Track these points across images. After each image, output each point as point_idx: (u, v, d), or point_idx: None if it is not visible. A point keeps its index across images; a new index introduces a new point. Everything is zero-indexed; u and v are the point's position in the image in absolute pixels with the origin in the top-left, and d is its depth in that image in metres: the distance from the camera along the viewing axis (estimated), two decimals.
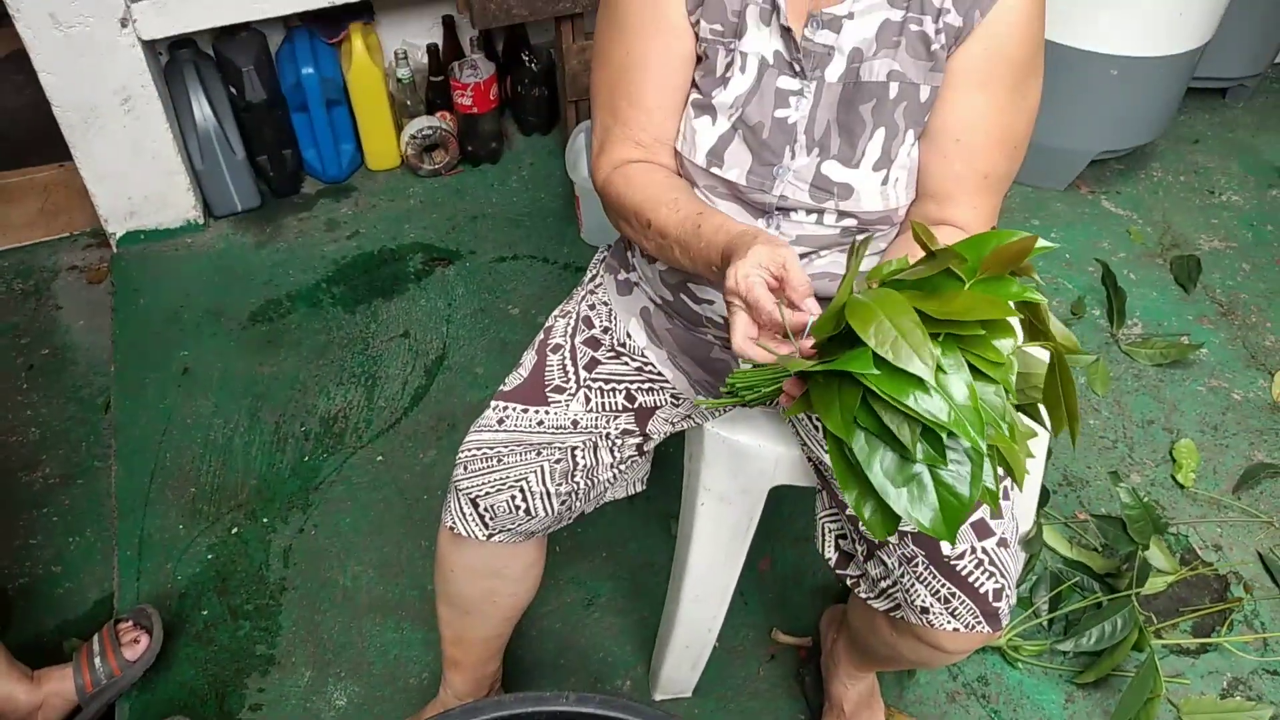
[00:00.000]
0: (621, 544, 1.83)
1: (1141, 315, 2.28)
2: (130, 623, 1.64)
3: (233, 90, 2.35)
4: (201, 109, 2.32)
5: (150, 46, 2.21)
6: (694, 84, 1.12)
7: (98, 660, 1.59)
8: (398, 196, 2.55)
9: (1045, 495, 1.81)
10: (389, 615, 1.73)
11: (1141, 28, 2.29)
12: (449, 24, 2.50)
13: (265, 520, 1.86)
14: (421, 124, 2.51)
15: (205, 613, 1.73)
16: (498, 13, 2.25)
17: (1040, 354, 0.88)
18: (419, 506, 1.88)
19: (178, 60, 2.32)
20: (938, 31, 1.04)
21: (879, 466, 0.78)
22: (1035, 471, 1.59)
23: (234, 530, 1.85)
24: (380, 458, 1.96)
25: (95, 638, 1.62)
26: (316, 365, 2.14)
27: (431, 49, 2.51)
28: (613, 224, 1.18)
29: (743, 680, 1.65)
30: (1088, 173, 2.61)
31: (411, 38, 2.56)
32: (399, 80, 2.51)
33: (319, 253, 2.40)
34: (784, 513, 1.77)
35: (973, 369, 0.77)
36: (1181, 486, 1.92)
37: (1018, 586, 1.66)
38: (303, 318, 2.24)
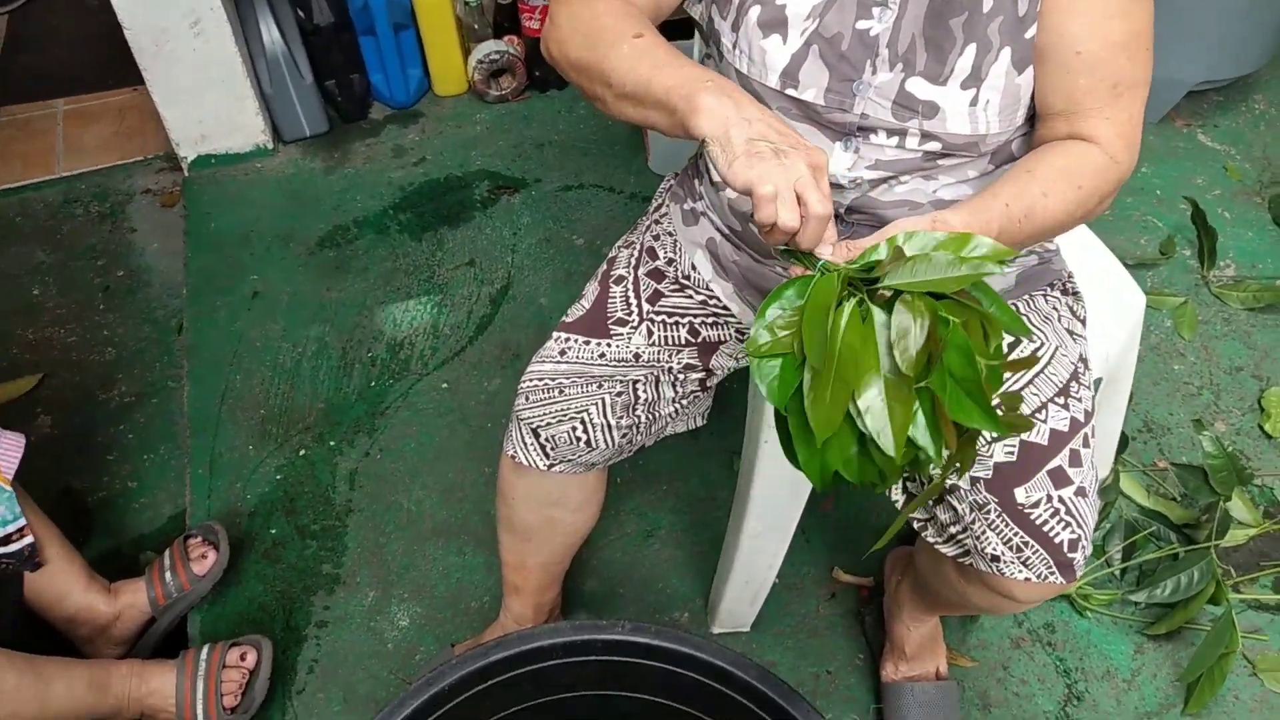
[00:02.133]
0: (683, 477, 1.81)
1: (1235, 256, 2.16)
2: (199, 538, 1.68)
3: (300, 14, 2.33)
4: (270, 32, 2.31)
5: None
6: None
7: (168, 574, 1.63)
8: (464, 123, 2.53)
9: (1124, 441, 1.75)
10: (452, 539, 1.74)
11: None
12: None
13: (332, 443, 1.89)
14: (489, 48, 2.47)
15: (274, 531, 1.76)
16: None
17: None
18: (483, 434, 1.89)
19: None
20: None
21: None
22: (1115, 417, 1.53)
23: (301, 452, 1.88)
24: (445, 385, 1.97)
25: (166, 552, 1.66)
26: (383, 292, 2.14)
27: None
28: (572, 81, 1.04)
29: (802, 617, 1.64)
30: (1184, 104, 2.47)
31: None
32: (466, 3, 2.47)
33: (385, 179, 2.39)
34: None
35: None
36: (1269, 437, 1.84)
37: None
38: (369, 244, 2.25)
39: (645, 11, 1.03)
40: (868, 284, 0.77)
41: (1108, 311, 1.37)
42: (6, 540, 1.38)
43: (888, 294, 0.75)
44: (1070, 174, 0.99)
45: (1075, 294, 1.22)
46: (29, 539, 1.41)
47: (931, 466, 0.77)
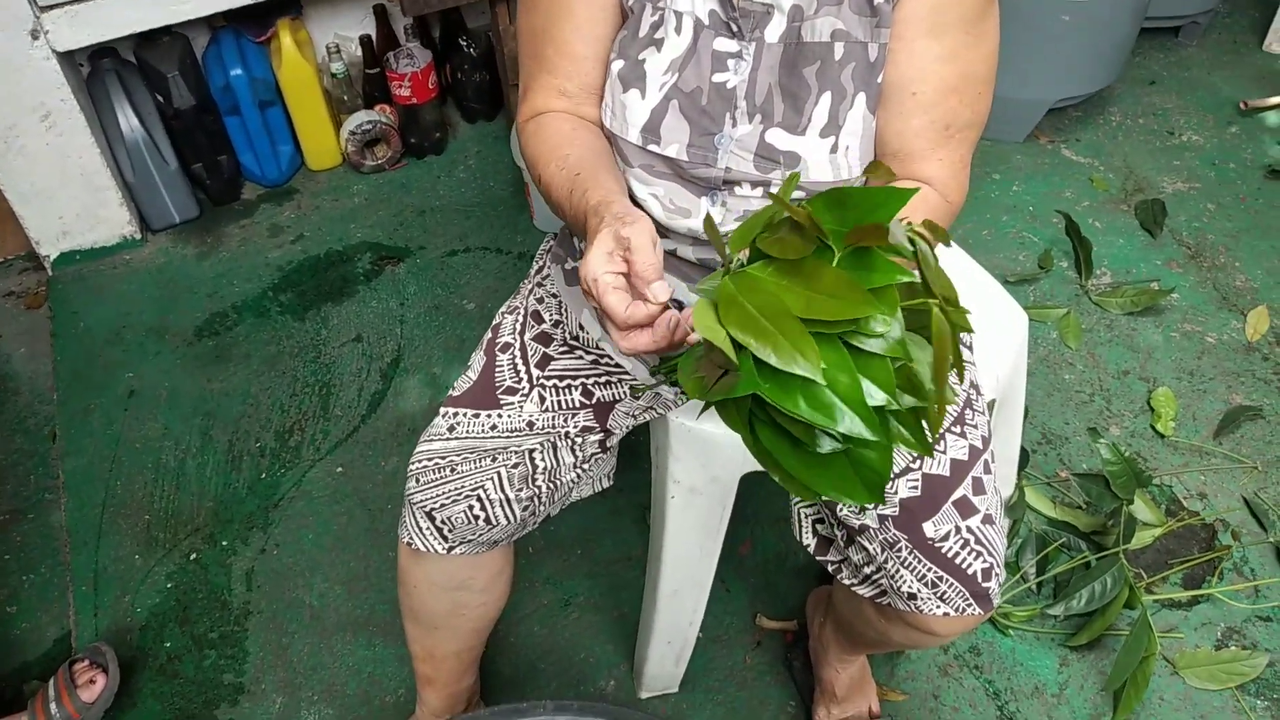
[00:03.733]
0: (596, 539, 1.77)
1: (1110, 264, 2.23)
2: (86, 662, 1.57)
3: (159, 98, 2.25)
4: (128, 119, 2.23)
5: (68, 58, 2.11)
6: (618, 52, 1.05)
7: (53, 705, 1.52)
8: (341, 195, 2.47)
9: (1025, 456, 1.77)
10: (359, 632, 1.66)
11: None
12: (381, 13, 2.41)
13: (224, 543, 1.79)
14: (360, 119, 2.42)
15: (168, 644, 1.66)
16: None
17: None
18: (383, 516, 1.81)
19: (99, 70, 2.22)
20: None
21: (790, 457, 0.72)
22: (1013, 436, 1.55)
23: (192, 556, 1.77)
24: (340, 469, 1.89)
25: (50, 681, 1.55)
26: (268, 377, 2.06)
27: (365, 40, 2.42)
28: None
29: (729, 670, 1.60)
30: (1046, 122, 2.56)
31: (343, 30, 2.47)
32: (333, 75, 2.42)
33: (263, 260, 2.32)
34: (761, 493, 1.71)
35: (855, 349, 0.70)
36: (1162, 436, 1.89)
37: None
38: (250, 329, 2.16)
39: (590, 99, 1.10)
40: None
41: (992, 333, 1.38)
42: None
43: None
44: (911, 213, 1.00)
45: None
46: None
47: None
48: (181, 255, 2.35)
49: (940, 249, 0.80)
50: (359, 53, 2.45)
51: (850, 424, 0.68)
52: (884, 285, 0.69)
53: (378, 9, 2.40)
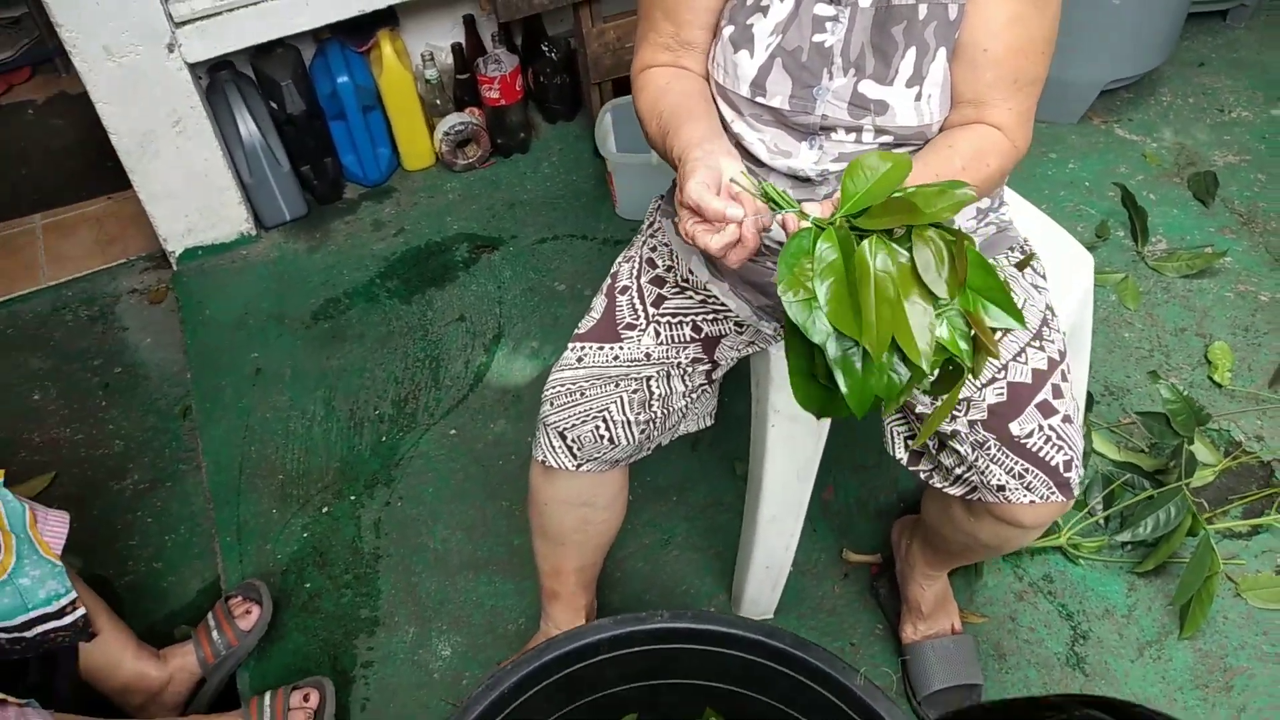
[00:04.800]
0: (691, 487, 1.92)
1: (1165, 232, 2.35)
2: (240, 597, 1.75)
3: (273, 105, 2.47)
4: (246, 125, 2.44)
5: (194, 70, 2.32)
6: (728, 19, 1.21)
7: (215, 634, 1.69)
8: (436, 193, 2.66)
9: (1090, 401, 1.89)
10: (480, 571, 1.83)
11: None
12: (470, 23, 2.60)
13: (353, 498, 1.97)
14: (453, 121, 2.62)
15: (309, 585, 1.84)
16: (519, 3, 2.36)
17: None
18: (495, 471, 1.98)
19: (218, 81, 2.44)
20: None
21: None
22: (1081, 366, 1.67)
23: (324, 509, 1.96)
24: (454, 431, 2.07)
25: (209, 614, 1.73)
26: (381, 354, 2.25)
27: (455, 48, 2.62)
28: None
29: (820, 598, 1.74)
30: (1098, 103, 2.69)
31: (435, 40, 2.67)
32: (427, 81, 2.62)
33: (369, 251, 2.51)
34: (841, 443, 1.86)
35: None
36: (1219, 385, 2.00)
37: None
38: (362, 312, 2.35)
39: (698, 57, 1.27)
40: (858, 231, 0.90)
41: (1061, 270, 1.52)
42: (61, 613, 1.44)
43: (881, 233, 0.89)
44: (982, 153, 1.18)
45: (1033, 254, 1.37)
46: (82, 610, 1.46)
47: (931, 377, 0.90)
48: (293, 250, 2.55)
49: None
50: (450, 60, 2.66)
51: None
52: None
53: (467, 19, 2.60)
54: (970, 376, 0.91)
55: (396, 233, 2.56)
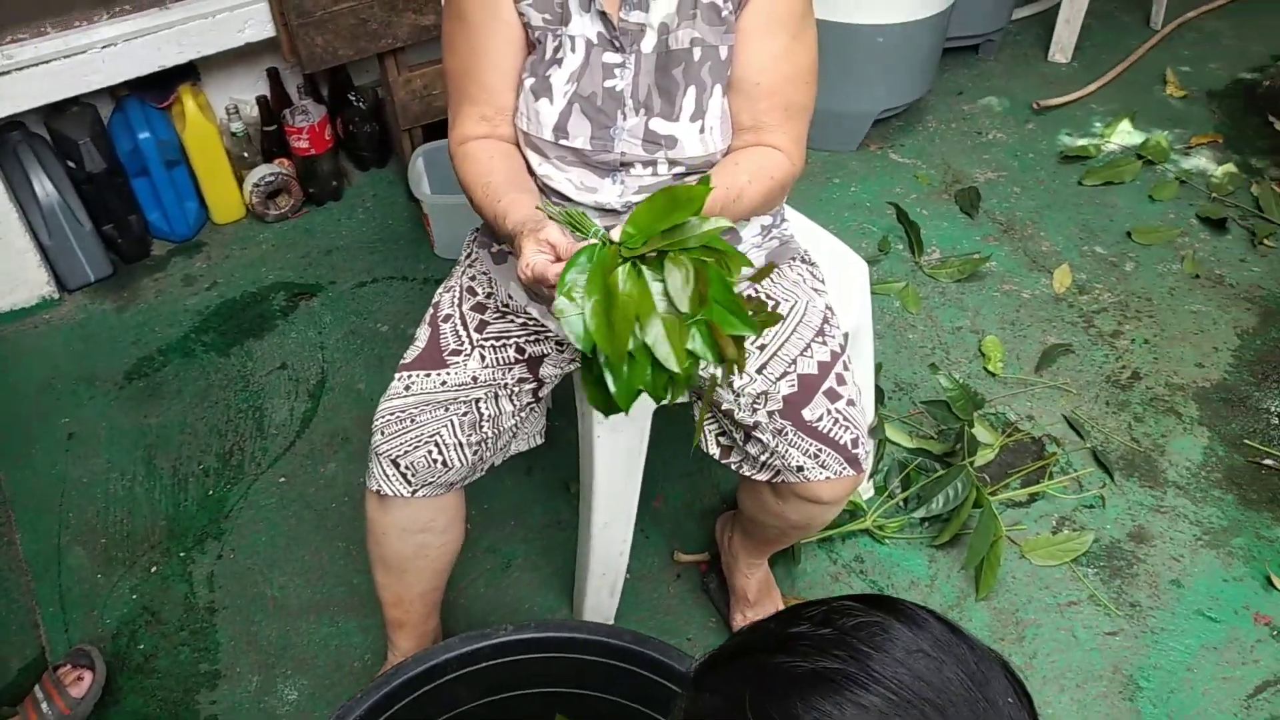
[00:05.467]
0: (527, 509, 1.99)
1: (938, 243, 2.61)
2: (68, 665, 1.69)
3: (70, 164, 2.41)
4: (42, 186, 2.37)
5: None
6: (529, 71, 1.32)
7: (44, 705, 1.63)
8: (249, 244, 2.65)
9: (880, 394, 2.08)
10: (322, 613, 1.84)
11: None
12: (274, 75, 2.62)
13: (182, 554, 1.94)
14: (262, 172, 2.62)
15: (142, 646, 1.79)
16: (325, 55, 2.40)
17: None
18: (330, 514, 1.99)
19: (9, 142, 2.36)
20: (725, 0, 1.28)
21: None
22: (866, 364, 1.85)
23: (153, 569, 1.92)
24: (283, 479, 2.07)
25: (36, 687, 1.67)
26: (201, 408, 2.22)
27: (261, 100, 2.63)
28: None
29: (656, 601, 1.84)
30: (873, 132, 2.95)
31: (238, 93, 2.66)
32: (233, 134, 2.61)
33: (181, 307, 2.47)
34: (668, 454, 1.97)
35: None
36: (993, 374, 2.24)
37: (871, 477, 1.92)
38: (178, 368, 2.32)
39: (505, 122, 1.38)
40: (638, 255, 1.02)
41: (841, 277, 1.69)
42: None
43: (652, 255, 1.01)
44: (764, 168, 1.34)
45: (813, 263, 1.54)
46: None
47: (707, 367, 1.03)
48: (100, 310, 2.48)
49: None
50: (255, 112, 2.66)
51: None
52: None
53: (271, 71, 2.61)
54: (735, 370, 1.05)
55: (209, 286, 2.53)
